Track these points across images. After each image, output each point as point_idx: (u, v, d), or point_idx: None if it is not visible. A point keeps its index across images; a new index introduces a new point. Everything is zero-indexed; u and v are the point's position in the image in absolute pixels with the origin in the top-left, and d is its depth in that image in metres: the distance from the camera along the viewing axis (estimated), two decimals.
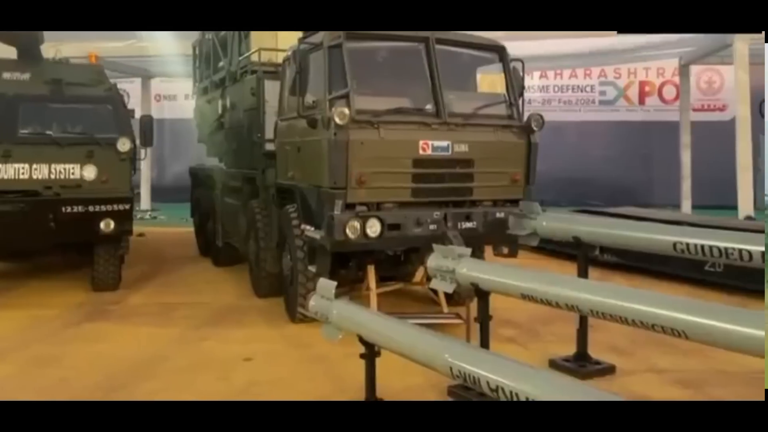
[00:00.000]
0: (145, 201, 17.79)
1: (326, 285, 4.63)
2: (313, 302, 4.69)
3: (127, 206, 7.92)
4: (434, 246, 4.87)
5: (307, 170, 6.25)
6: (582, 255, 5.17)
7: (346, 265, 6.59)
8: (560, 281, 4.04)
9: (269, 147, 7.35)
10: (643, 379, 5.10)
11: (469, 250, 4.70)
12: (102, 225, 7.68)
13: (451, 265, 4.64)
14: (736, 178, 12.26)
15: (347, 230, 5.64)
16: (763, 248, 3.87)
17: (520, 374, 3.12)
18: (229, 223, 9.22)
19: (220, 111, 9.23)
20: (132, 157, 8.18)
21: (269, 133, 7.32)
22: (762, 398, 4.60)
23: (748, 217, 11.48)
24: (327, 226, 5.72)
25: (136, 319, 7.08)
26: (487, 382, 3.17)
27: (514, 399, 3.00)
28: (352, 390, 4.62)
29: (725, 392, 4.68)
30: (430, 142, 5.91)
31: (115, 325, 6.84)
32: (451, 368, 3.42)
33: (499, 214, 6.16)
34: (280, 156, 7.00)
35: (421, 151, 5.89)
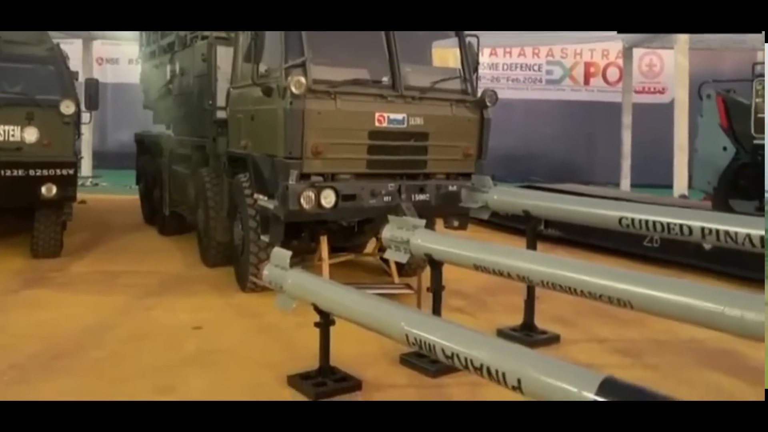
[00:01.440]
0: (86, 167, 17.19)
1: (281, 254, 4.63)
2: (267, 271, 4.68)
3: (71, 171, 7.68)
4: (389, 217, 4.94)
5: (261, 139, 6.19)
6: (531, 228, 5.33)
7: (299, 236, 6.59)
8: (512, 253, 4.17)
9: (221, 115, 7.23)
10: (586, 347, 5.33)
11: (423, 222, 4.80)
12: (43, 190, 7.45)
13: (405, 236, 4.72)
14: (673, 159, 12.81)
15: (302, 200, 5.65)
16: (701, 223, 4.10)
17: (475, 341, 3.19)
18: (176, 192, 9.05)
19: (168, 77, 8.99)
20: (76, 121, 7.92)
21: (221, 101, 7.20)
22: (688, 363, 4.92)
23: (683, 196, 12.04)
24: (281, 196, 5.70)
25: (78, 287, 6.92)
26: (443, 349, 3.24)
27: (469, 366, 3.10)
28: (305, 358, 4.65)
29: (661, 360, 4.96)
30: (386, 115, 5.95)
31: (56, 293, 6.67)
32: (407, 336, 3.48)
33: (452, 187, 6.29)
34: (232, 124, 6.90)
35: (377, 123, 5.93)
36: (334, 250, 6.99)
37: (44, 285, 6.93)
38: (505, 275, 4.10)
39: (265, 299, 6.38)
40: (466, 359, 3.09)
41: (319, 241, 6.58)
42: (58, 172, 7.51)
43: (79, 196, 9.24)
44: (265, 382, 4.51)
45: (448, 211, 6.40)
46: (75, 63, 13.26)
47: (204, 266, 7.82)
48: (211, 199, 7.50)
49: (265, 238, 6.23)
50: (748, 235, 3.82)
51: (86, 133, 14.86)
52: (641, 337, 5.58)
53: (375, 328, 3.81)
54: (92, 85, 8.41)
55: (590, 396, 2.54)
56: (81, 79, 8.81)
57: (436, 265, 4.65)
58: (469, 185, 5.75)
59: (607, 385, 2.52)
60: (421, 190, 6.21)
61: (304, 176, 5.74)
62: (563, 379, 2.71)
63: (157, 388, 4.37)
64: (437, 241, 4.63)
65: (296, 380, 4.45)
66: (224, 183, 7.26)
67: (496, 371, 2.93)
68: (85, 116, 8.43)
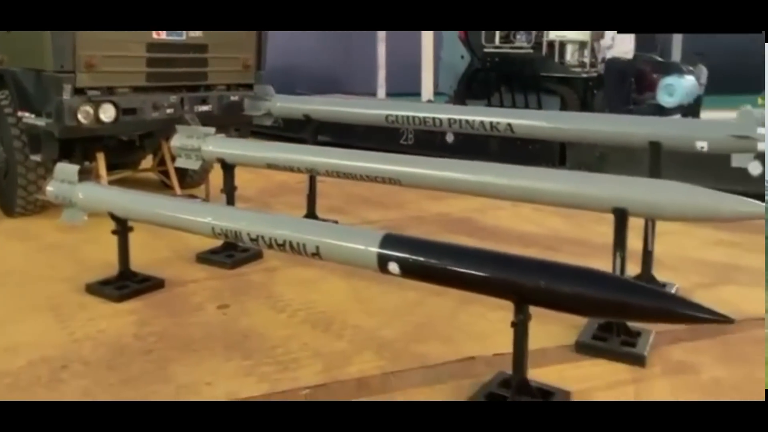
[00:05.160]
0: None
1: (67, 168, 4.61)
2: (52, 187, 4.64)
3: None
4: (178, 127, 5.14)
5: (22, 52, 5.82)
6: (311, 130, 5.91)
7: (71, 153, 6.40)
8: (300, 149, 4.72)
9: None
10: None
11: (213, 130, 5.10)
12: None
13: (196, 143, 5.00)
14: (421, 69, 14.23)
15: (79, 115, 5.53)
16: (447, 115, 5.07)
17: (276, 222, 3.66)
18: None
19: None
20: None
21: None
22: (438, 230, 6.00)
23: (429, 101, 13.61)
24: (56, 112, 5.51)
25: None
26: (248, 234, 3.63)
27: (273, 244, 3.52)
28: (98, 269, 4.75)
29: (418, 230, 5.88)
30: None
31: None
32: (213, 228, 3.81)
33: (234, 98, 6.57)
34: None
35: (155, 36, 5.93)
36: (109, 168, 6.88)
37: None
38: (294, 170, 4.64)
39: (37, 221, 6.21)
40: (270, 239, 3.52)
41: (94, 158, 6.46)
42: None
43: None
44: (62, 293, 4.54)
45: (231, 120, 6.67)
46: None
47: None
48: None
49: (36, 158, 5.98)
50: (482, 122, 4.87)
51: None
52: (402, 216, 6.64)
53: (181, 227, 4.07)
54: None
55: (375, 249, 3.17)
56: None
57: (228, 168, 5.03)
58: (251, 94, 6.09)
59: (388, 240, 3.14)
60: (204, 102, 6.40)
61: (78, 91, 5.59)
62: (352, 240, 3.29)
63: None
64: (229, 145, 4.99)
65: (95, 287, 4.54)
66: None
67: (298, 243, 3.41)
68: None
